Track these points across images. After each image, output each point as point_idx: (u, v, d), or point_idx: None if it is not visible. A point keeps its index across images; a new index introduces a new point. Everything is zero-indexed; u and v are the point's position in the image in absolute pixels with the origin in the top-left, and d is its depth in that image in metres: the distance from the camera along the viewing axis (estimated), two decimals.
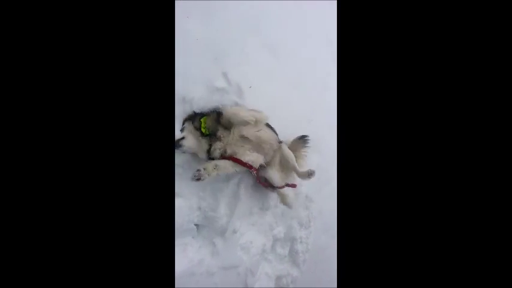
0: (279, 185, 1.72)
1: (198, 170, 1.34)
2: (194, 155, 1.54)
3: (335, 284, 0.97)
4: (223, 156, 1.48)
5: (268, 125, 1.68)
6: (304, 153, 1.86)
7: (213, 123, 1.50)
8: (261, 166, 1.60)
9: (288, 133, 1.92)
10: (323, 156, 2.13)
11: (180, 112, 1.55)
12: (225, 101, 1.64)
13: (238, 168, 1.51)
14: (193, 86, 1.56)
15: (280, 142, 1.73)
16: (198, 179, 1.33)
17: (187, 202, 1.48)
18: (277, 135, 1.73)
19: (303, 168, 1.73)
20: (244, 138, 1.52)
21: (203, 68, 1.61)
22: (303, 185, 2.05)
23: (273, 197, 1.89)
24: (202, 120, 1.48)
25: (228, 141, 1.50)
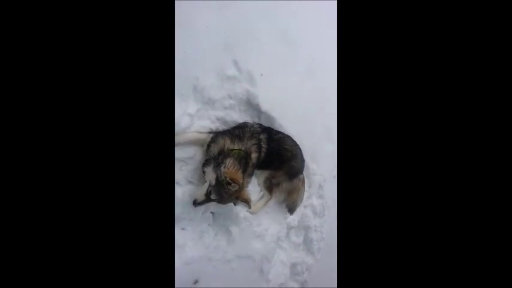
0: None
1: None
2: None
3: None
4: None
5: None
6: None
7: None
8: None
9: (299, 122, 1.90)
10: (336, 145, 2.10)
11: (192, 100, 1.55)
12: (236, 89, 1.63)
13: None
14: (204, 74, 1.56)
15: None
16: None
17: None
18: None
19: None
20: None
21: (214, 55, 1.61)
22: (317, 174, 2.04)
23: None
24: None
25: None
